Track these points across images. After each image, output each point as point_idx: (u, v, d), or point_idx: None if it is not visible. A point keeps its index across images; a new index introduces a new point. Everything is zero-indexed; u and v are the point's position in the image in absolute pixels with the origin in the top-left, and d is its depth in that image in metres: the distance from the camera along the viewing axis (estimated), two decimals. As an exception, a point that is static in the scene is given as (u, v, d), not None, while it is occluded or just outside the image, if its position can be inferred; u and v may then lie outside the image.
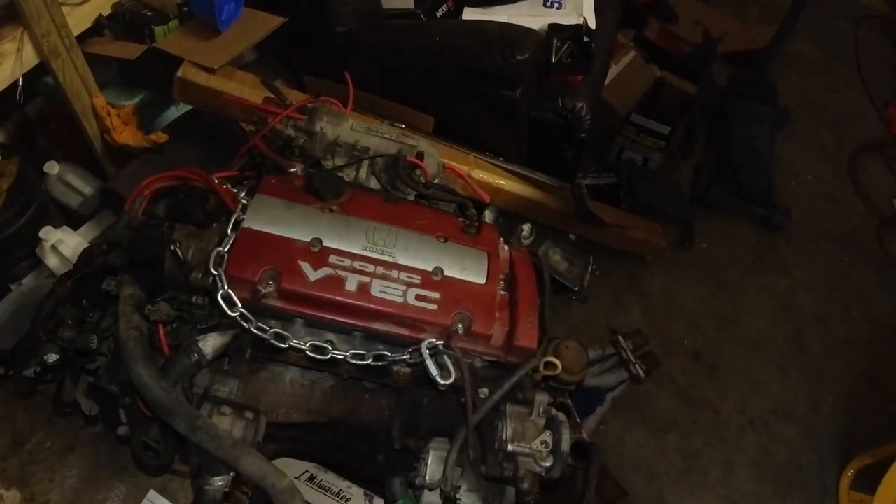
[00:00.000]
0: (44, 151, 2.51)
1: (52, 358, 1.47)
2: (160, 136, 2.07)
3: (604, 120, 2.44)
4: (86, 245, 2.17)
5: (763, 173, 2.85)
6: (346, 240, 1.28)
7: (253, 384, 1.48)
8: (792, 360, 2.49)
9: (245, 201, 1.30)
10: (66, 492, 2.07)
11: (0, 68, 1.83)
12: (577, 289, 2.32)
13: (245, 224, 1.26)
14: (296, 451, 1.62)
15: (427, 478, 1.30)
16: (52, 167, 2.34)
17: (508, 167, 2.14)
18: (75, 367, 1.56)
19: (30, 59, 1.89)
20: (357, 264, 1.25)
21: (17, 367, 1.69)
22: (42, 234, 2.16)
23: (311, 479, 1.79)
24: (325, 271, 1.23)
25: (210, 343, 1.29)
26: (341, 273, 1.23)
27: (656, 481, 2.12)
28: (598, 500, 2.00)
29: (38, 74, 2.05)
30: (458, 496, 1.29)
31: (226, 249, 1.23)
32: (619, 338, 1.93)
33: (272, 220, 1.27)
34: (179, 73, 1.91)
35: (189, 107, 2.38)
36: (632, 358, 1.92)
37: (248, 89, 1.92)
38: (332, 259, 1.24)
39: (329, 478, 1.78)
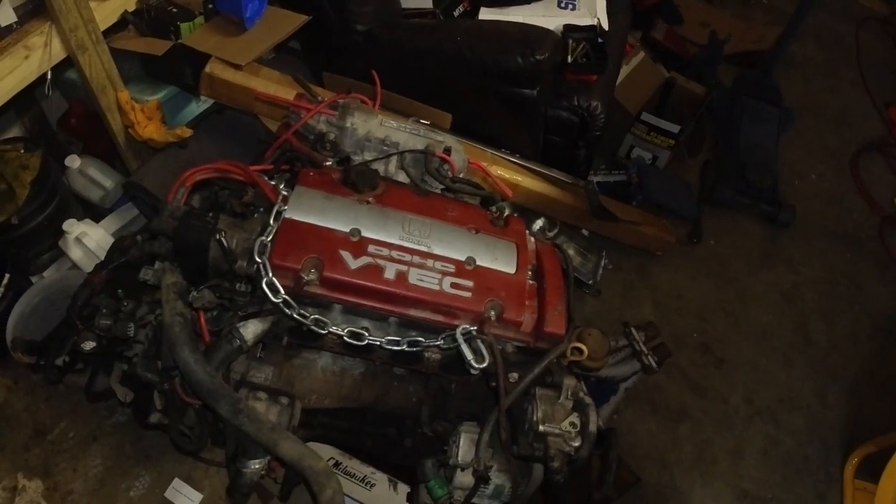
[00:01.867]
0: (62, 146, 2.55)
1: (88, 345, 1.50)
2: (185, 131, 2.10)
3: (615, 118, 2.49)
4: (108, 237, 2.22)
5: (768, 172, 2.90)
6: (384, 230, 1.33)
7: (287, 371, 1.53)
8: (797, 353, 2.55)
9: (285, 193, 1.35)
10: (89, 481, 2.10)
11: (28, 62, 1.86)
12: (590, 282, 2.38)
13: (287, 215, 1.31)
14: (324, 437, 1.67)
15: (460, 458, 1.34)
16: (74, 161, 2.38)
17: (524, 164, 2.19)
18: (109, 355, 1.61)
19: (57, 53, 1.92)
20: (395, 254, 1.30)
21: (48, 356, 1.74)
22: (65, 226, 2.20)
23: (337, 465, 1.84)
24: (364, 260, 1.28)
25: (250, 329, 1.33)
26: (380, 262, 1.29)
27: (668, 469, 2.17)
28: (612, 486, 2.06)
29: (59, 70, 2.08)
30: (489, 475, 1.34)
31: (269, 239, 1.27)
32: (632, 329, 1.98)
33: (313, 210, 1.32)
34: (207, 68, 1.95)
35: (210, 103, 2.42)
36: (644, 349, 1.97)
37: (273, 86, 1.96)
38: (371, 248, 1.30)
39: (354, 464, 1.83)
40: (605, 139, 2.30)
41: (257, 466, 1.41)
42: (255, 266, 1.25)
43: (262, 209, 1.40)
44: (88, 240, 2.17)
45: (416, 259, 1.31)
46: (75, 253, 2.20)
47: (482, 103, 2.14)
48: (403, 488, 1.80)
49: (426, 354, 1.42)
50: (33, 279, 2.34)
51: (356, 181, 1.39)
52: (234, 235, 1.30)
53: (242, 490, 1.42)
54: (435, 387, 1.56)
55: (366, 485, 1.81)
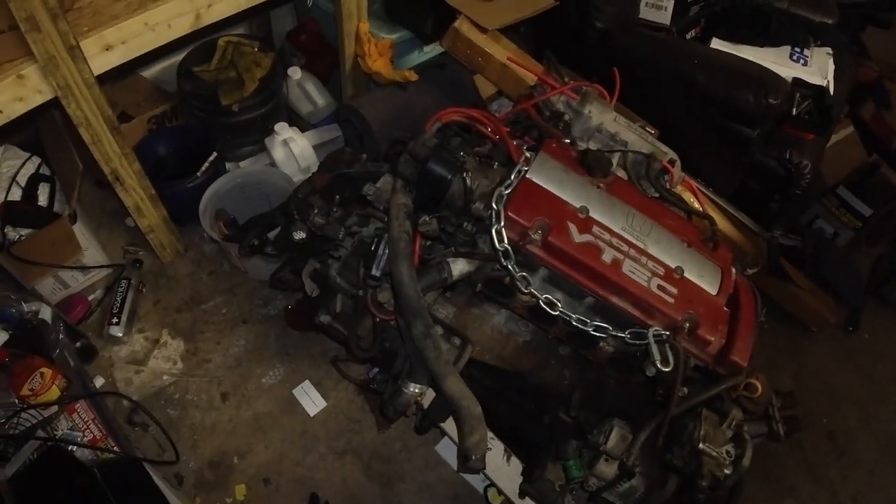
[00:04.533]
0: (284, 57, 2.74)
1: (299, 235, 1.64)
2: (411, 75, 2.23)
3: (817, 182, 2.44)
4: (310, 148, 2.39)
5: (943, 284, 2.77)
6: (610, 216, 1.39)
7: (464, 316, 1.62)
8: (919, 471, 2.44)
9: (528, 155, 1.43)
10: (228, 357, 2.28)
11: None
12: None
13: (527, 175, 1.39)
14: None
15: (609, 447, 1.40)
16: (296, 72, 2.57)
17: (715, 198, 2.19)
18: (309, 250, 1.75)
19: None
20: (615, 241, 1.36)
21: (247, 233, 1.91)
22: (277, 127, 2.38)
23: (456, 419, 1.92)
24: (587, 237, 1.34)
25: (458, 267, 1.43)
26: (601, 244, 1.35)
27: (762, 538, 2.15)
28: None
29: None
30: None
31: (507, 191, 1.36)
32: (772, 394, 1.97)
33: (551, 179, 1.39)
34: (456, 24, 2.06)
35: (428, 56, 2.55)
36: (777, 416, 1.95)
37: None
38: (595, 229, 1.36)
39: (477, 423, 1.90)
40: (800, 199, 2.27)
41: (416, 390, 1.50)
42: (490, 212, 1.34)
43: (496, 163, 1.49)
44: (294, 145, 2.34)
45: (633, 252, 1.36)
46: (278, 153, 2.37)
47: (695, 130, 2.15)
48: (515, 462, 1.86)
49: (601, 344, 1.47)
50: (228, 165, 2.55)
51: (592, 165, 1.45)
52: (477, 179, 1.39)
53: (397, 408, 1.52)
54: (591, 377, 1.62)
55: (483, 445, 1.88)
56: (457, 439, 1.92)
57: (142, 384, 2.21)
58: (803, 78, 2.30)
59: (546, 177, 1.39)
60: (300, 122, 2.60)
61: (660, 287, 1.35)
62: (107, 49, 1.74)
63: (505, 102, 2.31)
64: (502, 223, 1.32)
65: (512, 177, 1.38)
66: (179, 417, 2.15)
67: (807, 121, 2.17)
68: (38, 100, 1.71)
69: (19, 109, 1.69)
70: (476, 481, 2.07)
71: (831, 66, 2.44)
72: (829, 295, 2.56)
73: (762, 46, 2.39)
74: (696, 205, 1.77)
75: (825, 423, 2.42)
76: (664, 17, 2.35)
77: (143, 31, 1.78)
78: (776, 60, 2.35)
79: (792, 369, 2.49)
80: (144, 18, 1.76)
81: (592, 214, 1.38)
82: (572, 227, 1.34)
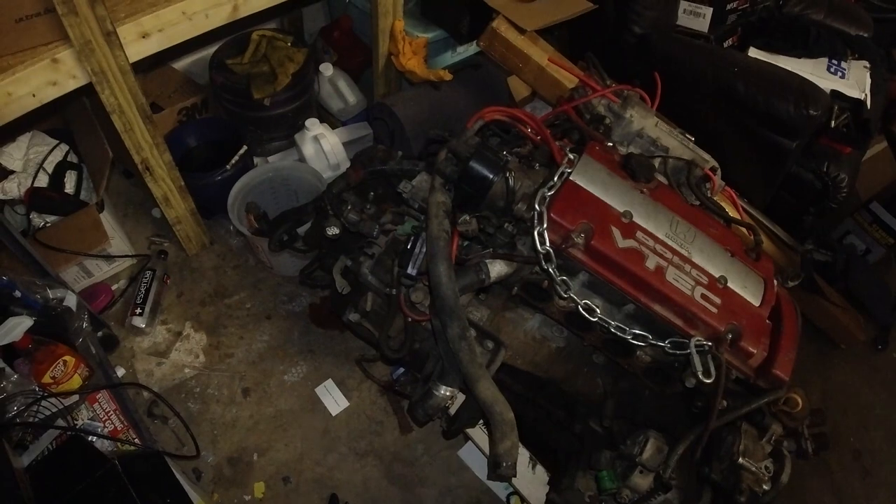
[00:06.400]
0: (316, 53, 2.73)
1: (332, 231, 1.62)
2: (445, 74, 2.21)
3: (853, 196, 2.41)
4: (340, 145, 2.37)
5: (974, 307, 2.72)
6: (654, 222, 1.36)
7: (498, 319, 1.60)
8: (947, 495, 2.39)
9: (571, 157, 1.40)
10: (251, 353, 2.26)
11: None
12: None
13: (571, 177, 1.36)
14: (496, 392, 1.73)
15: (645, 459, 1.36)
16: (328, 69, 2.55)
17: (749, 209, 2.16)
18: (341, 247, 1.73)
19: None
20: (658, 247, 1.33)
21: (277, 227, 1.89)
22: (308, 123, 2.36)
23: (487, 424, 1.89)
24: (630, 243, 1.31)
25: (496, 269, 1.40)
26: (644, 250, 1.32)
27: (786, 557, 2.10)
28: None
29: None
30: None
31: (550, 193, 1.33)
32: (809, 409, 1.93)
33: (595, 182, 1.37)
34: (494, 24, 2.04)
35: (461, 57, 2.53)
36: (806, 433, 1.91)
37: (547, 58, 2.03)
38: (639, 235, 1.33)
39: (503, 428, 1.87)
40: (834, 214, 2.23)
41: (447, 393, 1.47)
42: (532, 213, 1.32)
43: (537, 165, 1.47)
44: (325, 141, 2.32)
45: (676, 259, 1.34)
46: (308, 149, 2.35)
47: (731, 139, 2.12)
48: (541, 470, 1.83)
49: (639, 352, 1.44)
50: (256, 160, 2.53)
51: (636, 169, 1.42)
52: (520, 179, 1.37)
53: (427, 410, 1.48)
54: (625, 387, 1.59)
55: (508, 451, 1.85)
56: (482, 445, 1.92)
57: (163, 376, 2.20)
58: (841, 90, 2.27)
59: (590, 179, 1.36)
60: (330, 119, 2.58)
61: (703, 296, 1.32)
62: (143, 36, 1.73)
63: (538, 105, 2.29)
64: (545, 225, 1.29)
65: (555, 178, 1.35)
66: (200, 411, 2.13)
67: (844, 134, 2.13)
68: (71, 85, 1.70)
69: (52, 94, 1.68)
70: (499, 488, 2.04)
71: (868, 80, 2.40)
72: (859, 312, 2.52)
73: (800, 57, 2.36)
74: (736, 214, 1.73)
75: (852, 441, 2.37)
76: (702, 25, 2.33)
77: (180, 19, 1.76)
78: (814, 72, 2.32)
79: (820, 386, 2.45)
80: (182, 7, 1.75)
81: (636, 220, 1.35)
82: (616, 232, 1.31)
